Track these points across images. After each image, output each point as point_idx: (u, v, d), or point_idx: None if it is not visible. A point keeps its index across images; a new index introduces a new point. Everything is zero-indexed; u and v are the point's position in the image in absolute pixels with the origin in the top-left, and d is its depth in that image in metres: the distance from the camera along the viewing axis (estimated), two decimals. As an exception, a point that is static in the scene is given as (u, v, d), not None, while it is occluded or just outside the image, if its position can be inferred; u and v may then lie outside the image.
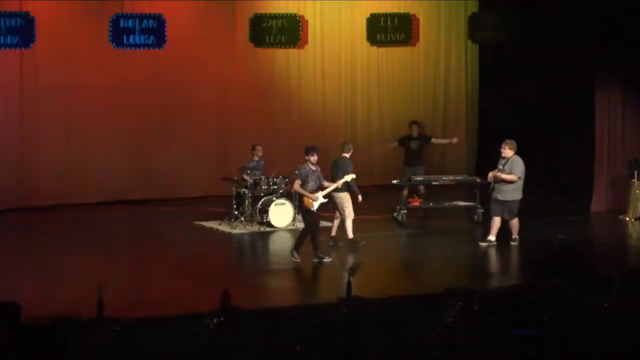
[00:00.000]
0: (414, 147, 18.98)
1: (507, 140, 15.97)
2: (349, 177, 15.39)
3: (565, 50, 20.18)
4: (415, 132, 19.03)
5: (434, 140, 19.48)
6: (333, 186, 15.09)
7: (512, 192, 15.80)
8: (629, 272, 13.44)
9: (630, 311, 12.03)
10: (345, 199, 15.69)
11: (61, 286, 13.53)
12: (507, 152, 15.84)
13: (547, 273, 14.54)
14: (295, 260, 14.80)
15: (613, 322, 11.40)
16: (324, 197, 14.88)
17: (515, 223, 15.98)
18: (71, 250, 15.97)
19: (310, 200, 14.76)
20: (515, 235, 16.03)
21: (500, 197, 15.84)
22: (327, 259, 14.80)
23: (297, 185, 14.91)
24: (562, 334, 11.24)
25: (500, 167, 15.83)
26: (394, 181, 18.36)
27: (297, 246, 14.90)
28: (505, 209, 15.87)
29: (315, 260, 14.81)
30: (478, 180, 18.35)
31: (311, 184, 14.83)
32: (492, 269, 15.47)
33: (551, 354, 10.64)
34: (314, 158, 14.82)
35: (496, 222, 15.97)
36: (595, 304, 12.72)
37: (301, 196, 15.14)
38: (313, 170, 14.87)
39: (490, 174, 16.00)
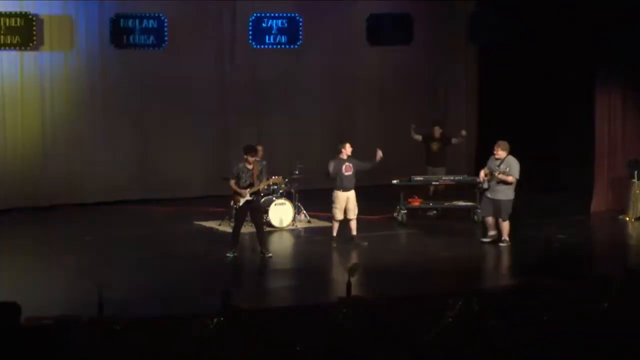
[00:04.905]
0: (434, 148, 19.13)
1: (500, 142, 16.09)
2: (270, 181, 16.26)
3: (566, 51, 20.19)
4: (437, 133, 19.18)
5: (454, 140, 19.44)
6: (257, 187, 15.48)
7: (508, 191, 15.92)
8: (629, 272, 13.45)
9: (630, 311, 12.04)
10: (334, 199, 16.04)
11: (61, 286, 13.54)
12: (501, 153, 15.96)
13: (547, 273, 14.55)
14: (229, 256, 15.28)
15: (613, 322, 11.41)
16: (250, 195, 15.38)
17: (506, 225, 16.05)
18: (71, 250, 15.97)
19: (237, 197, 15.33)
20: (505, 237, 16.08)
21: (497, 196, 15.91)
22: (269, 255, 15.38)
23: (232, 182, 15.48)
24: (562, 334, 11.24)
25: (496, 166, 15.87)
26: (394, 181, 18.37)
27: (233, 244, 15.39)
28: (502, 208, 15.92)
29: (261, 255, 15.41)
30: (478, 180, 18.33)
31: (241, 182, 15.38)
32: (492, 269, 15.48)
33: (551, 354, 10.65)
34: (251, 158, 15.39)
35: (490, 220, 16.10)
36: (595, 304, 12.72)
37: (234, 192, 15.50)
38: (248, 169, 15.36)
39: (482, 174, 16.06)
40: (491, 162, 16.06)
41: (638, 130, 19.28)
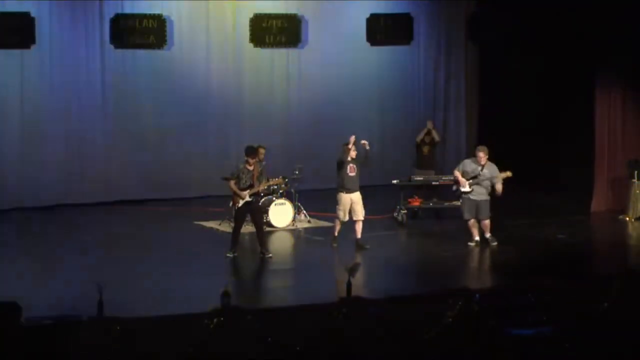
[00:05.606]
0: (425, 151, 19.26)
1: (481, 147, 16.19)
2: (270, 182, 16.24)
3: (566, 51, 20.19)
4: (426, 138, 19.32)
5: (436, 138, 19.64)
6: (257, 188, 15.45)
7: (487, 193, 16.00)
8: (629, 272, 13.45)
9: (630, 311, 12.04)
10: (338, 200, 15.96)
11: (61, 286, 13.53)
12: (484, 157, 15.96)
13: (546, 273, 14.55)
14: (229, 256, 15.30)
15: (613, 322, 11.40)
16: (250, 196, 15.38)
17: (488, 223, 16.14)
18: (71, 250, 15.97)
19: (237, 197, 15.37)
20: (489, 235, 16.11)
21: (479, 197, 15.99)
22: (269, 255, 15.36)
23: (232, 182, 15.49)
24: (562, 334, 11.24)
25: (479, 170, 15.90)
26: (394, 181, 18.38)
27: (233, 244, 15.38)
28: (484, 208, 16.01)
29: (261, 255, 15.38)
30: (460, 186, 18.31)
31: (241, 183, 15.40)
32: (492, 269, 15.47)
33: (551, 354, 10.65)
34: (252, 160, 15.41)
35: (473, 222, 16.14)
36: (595, 304, 12.73)
37: (234, 193, 15.51)
38: (248, 170, 15.38)
39: (463, 180, 16.02)
40: (469, 166, 16.06)
41: (638, 130, 19.27)
